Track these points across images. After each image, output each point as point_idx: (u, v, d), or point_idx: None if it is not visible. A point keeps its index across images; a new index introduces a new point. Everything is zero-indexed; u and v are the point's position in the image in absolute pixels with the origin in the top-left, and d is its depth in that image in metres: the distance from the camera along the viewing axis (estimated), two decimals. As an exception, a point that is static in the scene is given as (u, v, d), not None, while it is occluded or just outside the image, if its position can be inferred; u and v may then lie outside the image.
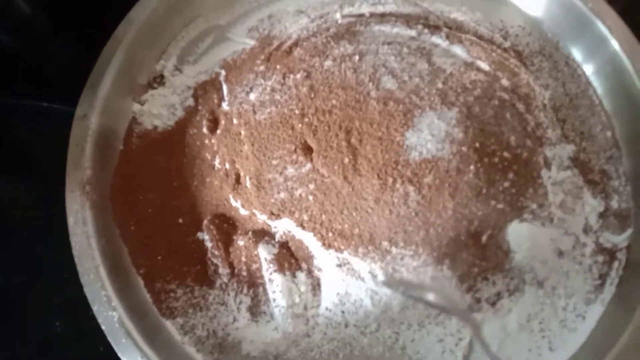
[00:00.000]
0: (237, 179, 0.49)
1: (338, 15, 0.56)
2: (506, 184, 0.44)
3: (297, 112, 0.47)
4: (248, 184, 0.47)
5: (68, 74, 0.60)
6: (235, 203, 0.48)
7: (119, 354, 0.43)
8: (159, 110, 0.53)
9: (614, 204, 0.47)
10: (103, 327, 0.43)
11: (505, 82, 0.51)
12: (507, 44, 0.54)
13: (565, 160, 0.49)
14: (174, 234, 0.49)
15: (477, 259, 0.43)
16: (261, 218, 0.47)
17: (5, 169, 0.59)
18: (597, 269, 0.46)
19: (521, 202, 0.45)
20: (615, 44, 0.50)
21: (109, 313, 0.44)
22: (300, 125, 0.47)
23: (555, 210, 0.46)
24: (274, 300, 0.46)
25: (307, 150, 0.46)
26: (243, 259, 0.47)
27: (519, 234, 0.44)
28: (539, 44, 0.54)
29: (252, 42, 0.56)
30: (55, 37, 0.63)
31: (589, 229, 0.47)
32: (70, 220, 0.46)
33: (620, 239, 0.46)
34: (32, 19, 0.62)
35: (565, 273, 0.45)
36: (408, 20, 0.55)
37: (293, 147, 0.46)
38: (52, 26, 0.63)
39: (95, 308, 0.44)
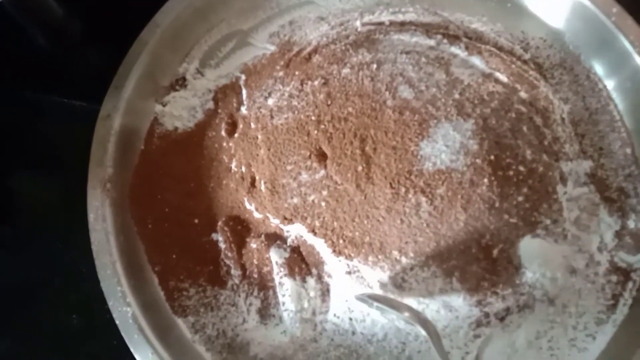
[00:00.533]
0: (253, 183, 0.49)
1: (358, 23, 0.56)
2: (520, 198, 0.44)
3: (313, 118, 0.48)
4: (263, 187, 0.48)
5: (95, 74, 0.61)
6: (250, 206, 0.49)
7: (131, 349, 0.44)
8: (179, 112, 0.54)
9: (631, 223, 0.46)
10: (117, 322, 0.44)
11: (523, 94, 0.50)
12: (527, 56, 0.54)
13: (582, 176, 0.48)
14: (189, 234, 0.50)
15: (487, 273, 0.43)
16: (274, 222, 0.48)
17: (31, 163, 0.60)
18: (610, 289, 0.45)
19: (535, 217, 0.44)
20: (638, 60, 0.48)
21: (124, 309, 0.45)
22: (315, 131, 0.47)
23: (570, 226, 0.45)
24: (283, 303, 0.46)
25: (322, 156, 0.47)
26: (255, 261, 0.48)
27: (531, 250, 0.44)
28: (560, 57, 0.53)
29: (272, 48, 0.56)
30: (86, 39, 0.65)
31: (603, 248, 0.46)
32: (91, 217, 0.48)
33: (636, 259, 0.45)
34: (66, 23, 0.64)
35: (577, 291, 0.45)
36: (428, 29, 0.55)
37: (308, 153, 0.47)
38: (84, 29, 0.65)
39: (110, 303, 0.45)
